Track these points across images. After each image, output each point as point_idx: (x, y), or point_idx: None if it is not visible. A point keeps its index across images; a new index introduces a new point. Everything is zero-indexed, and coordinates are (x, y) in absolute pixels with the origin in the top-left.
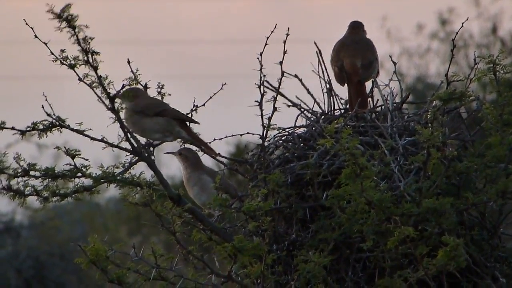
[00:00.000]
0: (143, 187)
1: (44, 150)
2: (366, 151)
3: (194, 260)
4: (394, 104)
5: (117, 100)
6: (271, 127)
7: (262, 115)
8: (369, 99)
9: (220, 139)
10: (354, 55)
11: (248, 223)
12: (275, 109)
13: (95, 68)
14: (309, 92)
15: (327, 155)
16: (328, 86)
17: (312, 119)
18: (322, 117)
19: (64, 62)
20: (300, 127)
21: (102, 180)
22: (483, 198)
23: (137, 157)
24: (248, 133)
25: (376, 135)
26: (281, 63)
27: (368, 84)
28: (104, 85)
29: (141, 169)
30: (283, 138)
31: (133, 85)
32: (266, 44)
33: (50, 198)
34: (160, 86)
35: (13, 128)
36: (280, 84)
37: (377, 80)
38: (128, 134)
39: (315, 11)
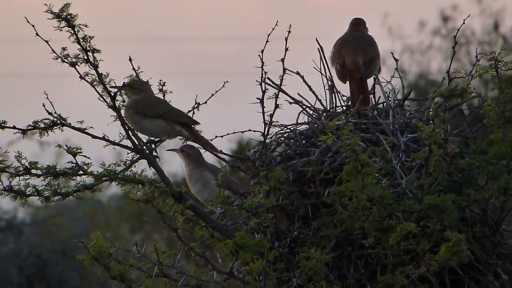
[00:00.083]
0: (144, 185)
1: (46, 148)
2: (368, 148)
3: (196, 257)
4: (396, 101)
5: (118, 98)
6: (273, 124)
7: (263, 112)
8: (371, 96)
9: (222, 136)
10: (356, 52)
11: (250, 220)
12: (277, 106)
13: (96, 66)
14: (311, 89)
15: (329, 152)
16: (330, 83)
17: (314, 116)
18: (324, 114)
19: (65, 60)
20: (302, 124)
21: (104, 178)
22: (485, 195)
23: (138, 155)
24: (250, 130)
25: (378, 132)
26: (282, 60)
27: (370, 81)
28: (105, 83)
29: (143, 167)
30: (285, 135)
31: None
32: (267, 41)
33: (52, 197)
34: (162, 84)
35: (14, 127)
36: (281, 81)
37: (379, 77)
38: (129, 132)
39: (316, 8)
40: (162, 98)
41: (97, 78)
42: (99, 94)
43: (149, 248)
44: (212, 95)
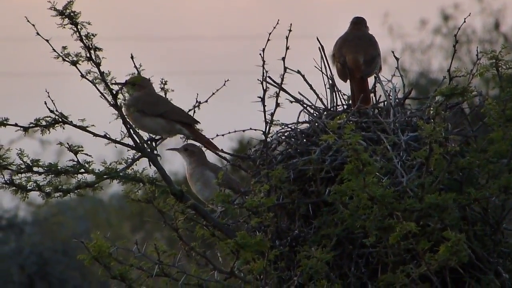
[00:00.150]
0: (145, 183)
1: (47, 146)
2: (369, 147)
3: (197, 256)
4: (397, 100)
5: (120, 96)
6: (273, 123)
7: (264, 111)
8: (372, 95)
9: (223, 135)
10: (357, 51)
11: (250, 219)
12: (277, 105)
13: (98, 65)
14: (311, 88)
15: (329, 150)
16: (330, 82)
17: (314, 115)
18: (325, 113)
19: (66, 59)
20: (302, 123)
21: (105, 176)
22: (485, 193)
23: (139, 153)
24: (250, 129)
25: (379, 131)
26: (283, 59)
27: (371, 80)
28: (107, 81)
29: (144, 165)
30: (285, 134)
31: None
32: (268, 40)
33: (53, 193)
34: (163, 82)
35: (16, 125)
36: (282, 80)
37: (380, 76)
38: (131, 130)
39: (317, 7)
40: (164, 96)
41: (99, 76)
42: (100, 92)
43: (150, 247)
44: (213, 93)
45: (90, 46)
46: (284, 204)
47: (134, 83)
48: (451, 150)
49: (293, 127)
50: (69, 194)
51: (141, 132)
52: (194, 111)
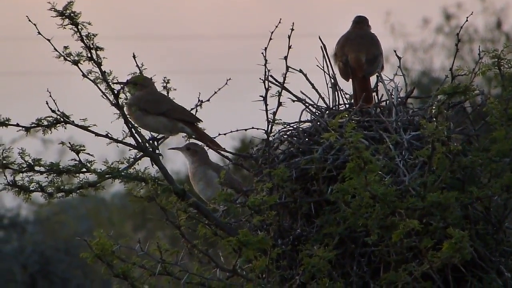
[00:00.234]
0: (148, 182)
1: (49, 145)
2: (371, 146)
3: (199, 254)
4: (399, 99)
5: (121, 96)
6: (276, 122)
7: (267, 110)
8: (374, 94)
9: (225, 134)
10: (359, 50)
11: (253, 217)
12: (280, 104)
13: (99, 64)
14: (313, 87)
15: (331, 149)
16: (332, 81)
17: (317, 114)
18: (327, 112)
19: (68, 59)
20: (305, 122)
21: (107, 176)
22: (488, 192)
23: (141, 153)
24: (253, 128)
25: (381, 130)
26: (285, 58)
27: (373, 79)
28: (108, 80)
29: (146, 165)
30: (288, 133)
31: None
32: (270, 39)
33: (55, 193)
34: (166, 81)
35: (17, 125)
36: (284, 79)
37: (382, 75)
38: (133, 129)
39: (319, 6)
40: (166, 95)
41: (100, 76)
42: (102, 92)
43: (152, 246)
44: (215, 92)
45: (91, 46)
46: (286, 203)
47: (136, 82)
48: (454, 149)
49: (295, 126)
50: (71, 194)
51: (143, 132)
52: (196, 110)
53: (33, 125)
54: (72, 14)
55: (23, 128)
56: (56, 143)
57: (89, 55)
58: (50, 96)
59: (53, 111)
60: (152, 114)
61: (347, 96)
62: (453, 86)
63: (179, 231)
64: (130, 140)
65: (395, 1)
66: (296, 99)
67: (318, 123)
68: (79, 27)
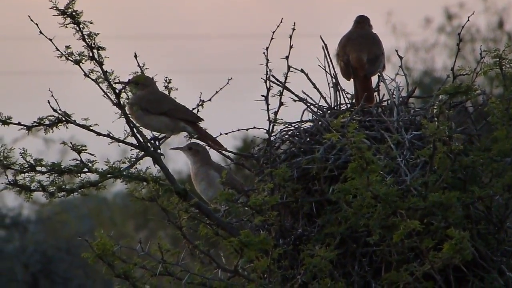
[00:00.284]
0: (149, 182)
1: (51, 144)
2: (372, 146)
3: (201, 254)
4: (400, 99)
5: (123, 95)
6: (277, 121)
7: (268, 110)
8: (375, 93)
9: (227, 133)
10: (360, 49)
11: (254, 217)
12: (281, 103)
13: (101, 64)
14: (315, 87)
15: (333, 149)
16: (334, 80)
17: (318, 113)
18: (328, 111)
19: (70, 58)
20: (306, 121)
21: (108, 176)
22: (489, 192)
23: (143, 152)
24: (254, 127)
25: (382, 130)
26: (287, 57)
27: (374, 79)
28: (110, 80)
29: (148, 164)
30: (289, 133)
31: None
32: (272, 38)
33: (56, 193)
34: (167, 81)
35: (19, 124)
36: (286, 78)
37: (383, 75)
38: (134, 129)
39: (320, 5)
40: (168, 94)
41: (102, 76)
42: (103, 91)
43: (154, 246)
44: (217, 92)
45: (93, 45)
46: (287, 202)
47: (137, 82)
48: (455, 148)
49: (296, 126)
50: (72, 194)
51: (144, 131)
52: (198, 110)
53: (34, 124)
54: (73, 13)
55: (25, 127)
56: (58, 143)
57: (90, 54)
58: (52, 95)
59: (55, 110)
60: (154, 113)
61: (349, 96)
62: (454, 86)
63: (180, 232)
64: (132, 140)
65: (397, 0)
66: (297, 99)
67: (320, 123)
68: (81, 26)
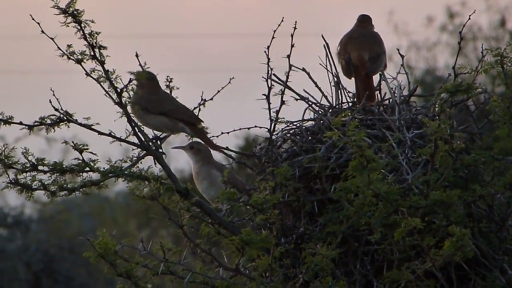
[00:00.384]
0: (151, 181)
1: (53, 144)
2: (374, 144)
3: (202, 253)
4: (402, 97)
5: (124, 95)
6: (278, 120)
7: (269, 109)
8: (377, 92)
9: (228, 132)
10: (362, 48)
11: (256, 216)
12: (282, 102)
13: (102, 63)
14: (316, 86)
15: (334, 148)
16: (335, 79)
17: (320, 112)
18: (330, 110)
19: (71, 57)
20: (307, 120)
21: (110, 175)
22: (491, 190)
23: (145, 151)
24: (256, 126)
25: (384, 128)
26: (288, 56)
27: (376, 77)
28: (111, 79)
29: (149, 163)
30: (291, 132)
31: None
32: (273, 37)
33: (58, 192)
34: (169, 80)
35: (20, 123)
36: (287, 77)
37: (385, 73)
38: (136, 128)
39: (322, 4)
40: (169, 94)
41: (103, 75)
42: (105, 90)
43: (156, 245)
44: (218, 91)
45: (94, 45)
46: (289, 201)
47: (139, 80)
48: (456, 147)
49: (298, 125)
50: (74, 193)
51: (146, 130)
52: (199, 109)
53: (36, 124)
54: (75, 12)
55: (26, 127)
56: (59, 142)
57: (92, 53)
58: (53, 94)
59: (56, 110)
60: (154, 113)
61: (350, 94)
62: (456, 84)
63: (182, 231)
64: (133, 139)
65: (398, 0)
66: (299, 98)
67: (321, 121)
68: (82, 25)
